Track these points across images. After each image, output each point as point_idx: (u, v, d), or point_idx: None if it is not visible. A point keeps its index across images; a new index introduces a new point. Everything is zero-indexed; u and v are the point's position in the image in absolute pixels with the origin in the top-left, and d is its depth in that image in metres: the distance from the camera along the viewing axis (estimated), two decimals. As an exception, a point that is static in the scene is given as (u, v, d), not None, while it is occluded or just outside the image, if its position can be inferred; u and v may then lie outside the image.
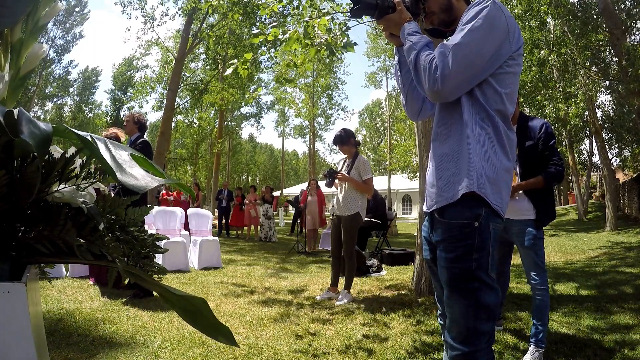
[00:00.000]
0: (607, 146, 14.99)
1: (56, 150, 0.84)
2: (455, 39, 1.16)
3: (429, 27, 1.44)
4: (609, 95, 16.13)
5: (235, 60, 4.65)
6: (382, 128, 39.43)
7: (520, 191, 2.57)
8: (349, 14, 1.39)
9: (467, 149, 1.20)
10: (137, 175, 0.69)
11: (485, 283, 1.19)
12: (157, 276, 0.88)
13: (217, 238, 6.20)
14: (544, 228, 2.53)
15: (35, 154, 0.69)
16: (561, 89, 11.64)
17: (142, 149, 3.74)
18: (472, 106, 1.22)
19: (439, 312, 1.48)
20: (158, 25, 16.57)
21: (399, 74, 1.49)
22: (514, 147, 1.29)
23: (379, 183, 26.95)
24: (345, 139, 4.02)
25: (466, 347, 1.18)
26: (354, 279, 4.23)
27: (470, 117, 1.22)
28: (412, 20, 1.35)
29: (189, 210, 6.37)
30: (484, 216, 1.18)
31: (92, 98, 34.57)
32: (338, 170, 4.05)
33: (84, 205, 0.81)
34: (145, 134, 4.13)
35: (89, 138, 0.67)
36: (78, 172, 0.82)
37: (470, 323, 1.18)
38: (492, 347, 1.24)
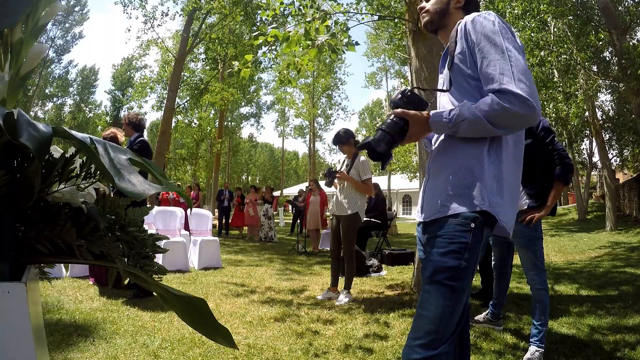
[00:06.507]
0: (607, 146, 14.99)
1: (56, 150, 0.84)
2: (505, 64, 1.12)
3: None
4: (609, 95, 16.14)
5: (236, 63, 4.65)
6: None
7: (522, 191, 2.57)
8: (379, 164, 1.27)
9: (478, 165, 1.18)
10: (135, 182, 0.69)
11: (468, 286, 1.17)
12: (157, 276, 0.88)
13: (217, 238, 6.20)
14: (543, 228, 2.53)
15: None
16: (561, 89, 11.63)
17: (140, 149, 3.74)
18: None
19: None
20: (158, 25, 16.57)
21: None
22: (521, 162, 1.28)
23: (379, 183, 26.91)
24: (344, 139, 4.02)
25: (429, 351, 1.11)
26: (354, 279, 4.23)
27: None
28: (431, 112, 1.23)
29: (189, 210, 6.37)
30: (481, 220, 1.16)
31: (92, 98, 34.65)
32: (337, 169, 4.05)
33: (84, 205, 0.81)
34: (145, 133, 4.13)
35: (88, 141, 0.67)
36: (78, 172, 0.82)
37: (441, 327, 1.12)
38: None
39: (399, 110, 1.24)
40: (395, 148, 1.24)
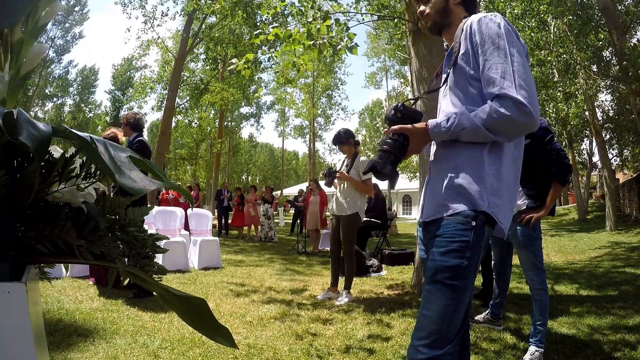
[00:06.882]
0: (607, 146, 15.00)
1: (56, 150, 0.84)
2: (507, 68, 1.11)
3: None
4: (609, 95, 16.14)
5: (235, 59, 4.64)
6: (382, 128, 39.38)
7: (521, 191, 2.57)
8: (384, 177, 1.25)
9: (479, 165, 1.17)
10: (136, 178, 0.69)
11: (470, 285, 1.17)
12: (157, 276, 0.88)
13: (217, 238, 6.20)
14: (543, 228, 2.53)
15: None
16: (561, 89, 11.64)
17: (138, 149, 3.72)
18: None
19: None
20: (158, 25, 16.57)
21: None
22: (520, 163, 1.28)
23: (379, 183, 26.92)
24: (344, 139, 4.02)
25: (433, 351, 1.11)
26: (354, 279, 4.23)
27: None
28: (428, 122, 1.22)
29: (189, 210, 6.37)
30: (481, 218, 1.16)
31: (92, 98, 34.65)
32: (337, 169, 4.05)
33: (84, 205, 0.81)
34: (144, 133, 4.12)
35: (88, 139, 0.67)
36: (78, 172, 0.82)
37: (444, 326, 1.12)
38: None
39: (396, 127, 1.24)
40: (399, 162, 1.25)
